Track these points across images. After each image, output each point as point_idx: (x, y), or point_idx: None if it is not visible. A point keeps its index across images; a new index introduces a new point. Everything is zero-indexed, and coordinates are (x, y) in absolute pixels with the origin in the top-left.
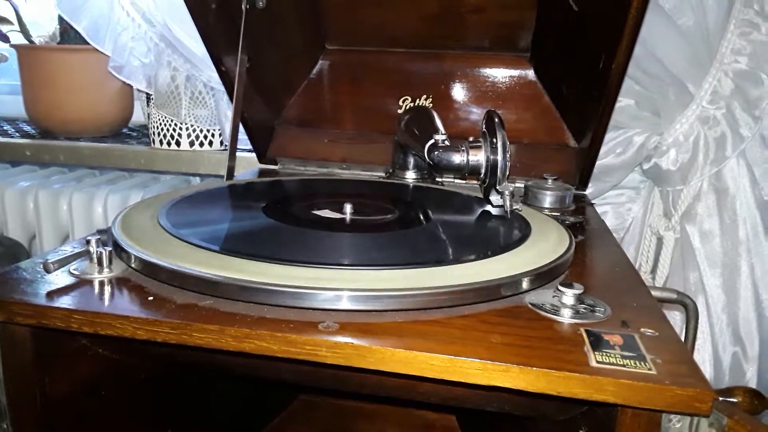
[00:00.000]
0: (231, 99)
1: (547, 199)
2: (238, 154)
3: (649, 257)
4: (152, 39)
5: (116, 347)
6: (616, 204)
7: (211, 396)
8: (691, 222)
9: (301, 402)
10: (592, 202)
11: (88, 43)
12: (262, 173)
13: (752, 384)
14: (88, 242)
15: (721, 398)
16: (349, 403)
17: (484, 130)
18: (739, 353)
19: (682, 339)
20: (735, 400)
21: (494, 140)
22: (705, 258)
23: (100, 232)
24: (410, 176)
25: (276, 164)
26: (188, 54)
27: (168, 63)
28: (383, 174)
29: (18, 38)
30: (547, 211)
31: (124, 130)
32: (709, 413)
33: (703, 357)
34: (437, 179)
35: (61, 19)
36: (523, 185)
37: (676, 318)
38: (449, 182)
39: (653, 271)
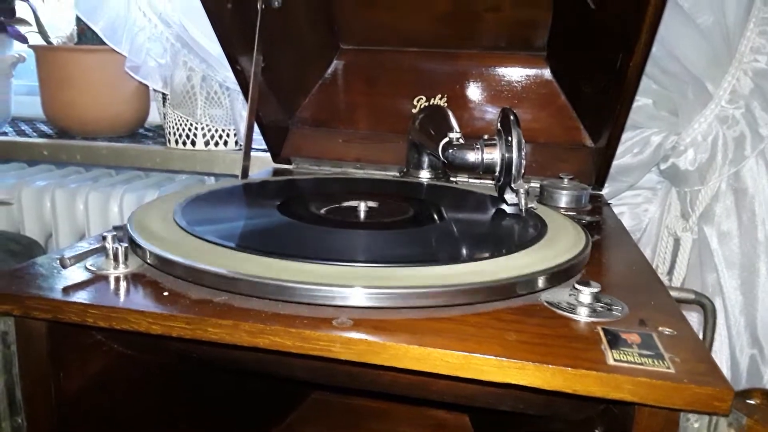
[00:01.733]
0: (246, 99)
1: (563, 199)
2: (252, 153)
3: (666, 258)
4: (168, 39)
5: (131, 343)
6: (632, 205)
7: (224, 394)
8: (708, 223)
9: (313, 401)
10: (609, 202)
11: (105, 44)
12: (276, 173)
13: None
14: (104, 238)
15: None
16: (362, 402)
17: (499, 128)
18: (757, 356)
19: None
20: (752, 402)
21: (509, 138)
22: (723, 259)
23: (116, 228)
24: (424, 175)
25: (290, 164)
26: (204, 54)
27: (184, 63)
28: (397, 173)
29: (36, 39)
30: (562, 211)
31: (140, 130)
32: (729, 412)
33: (720, 359)
34: (451, 179)
35: (78, 20)
36: (538, 185)
37: (692, 319)
38: (463, 182)
39: (670, 272)
